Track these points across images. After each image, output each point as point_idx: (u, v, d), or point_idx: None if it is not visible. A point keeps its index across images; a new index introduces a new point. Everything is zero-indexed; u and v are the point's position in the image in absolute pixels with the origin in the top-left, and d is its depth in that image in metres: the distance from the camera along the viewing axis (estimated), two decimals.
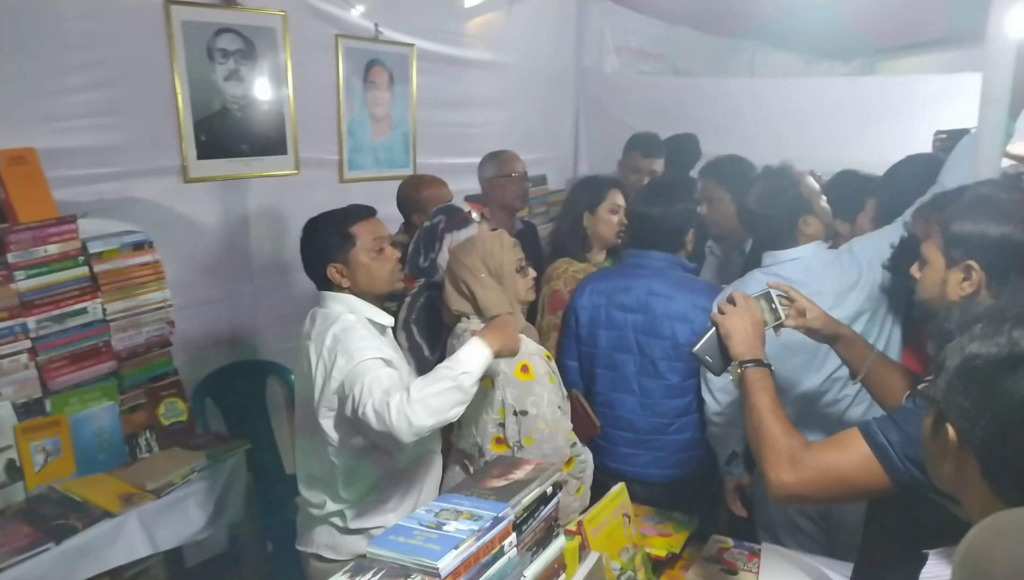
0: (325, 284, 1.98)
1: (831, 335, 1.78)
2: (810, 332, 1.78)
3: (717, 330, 1.64)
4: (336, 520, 1.96)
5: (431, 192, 2.97)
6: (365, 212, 2.01)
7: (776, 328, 1.75)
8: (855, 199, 2.61)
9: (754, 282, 2.22)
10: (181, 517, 2.33)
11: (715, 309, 1.74)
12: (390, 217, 2.14)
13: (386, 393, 1.68)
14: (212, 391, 2.97)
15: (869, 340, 2.07)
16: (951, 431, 0.91)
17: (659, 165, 3.57)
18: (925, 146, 2.80)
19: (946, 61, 6.67)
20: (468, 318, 2.13)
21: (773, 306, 1.75)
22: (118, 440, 2.47)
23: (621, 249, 2.82)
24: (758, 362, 1.55)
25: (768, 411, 1.45)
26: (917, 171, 2.63)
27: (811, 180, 2.30)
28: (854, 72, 7.77)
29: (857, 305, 2.11)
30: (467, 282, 2.09)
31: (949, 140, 2.59)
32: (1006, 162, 2.30)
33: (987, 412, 0.87)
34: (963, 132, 2.38)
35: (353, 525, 1.96)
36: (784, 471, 1.36)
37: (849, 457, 1.31)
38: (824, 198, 2.34)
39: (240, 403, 3.04)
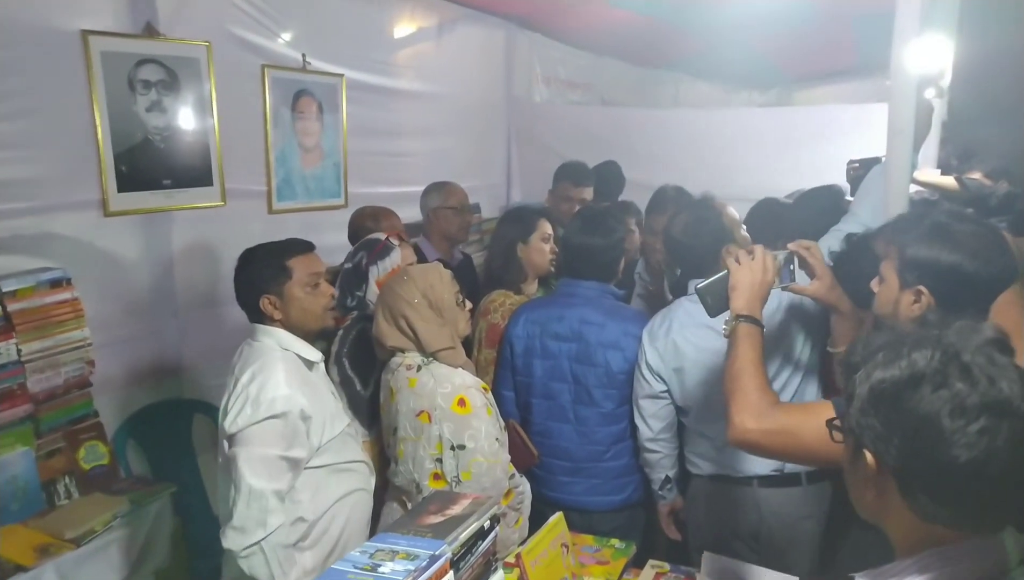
0: (257, 316, 1.97)
1: (833, 304, 1.87)
2: (816, 298, 1.88)
3: (727, 276, 1.71)
4: None
5: (389, 223, 2.98)
6: (303, 246, 2.03)
7: (785, 288, 1.83)
8: (774, 226, 2.72)
9: (681, 311, 2.29)
10: (104, 566, 2.23)
11: (728, 257, 1.78)
12: (322, 247, 2.16)
13: (247, 516, 1.78)
14: (135, 432, 2.85)
15: (787, 361, 2.16)
16: (868, 457, 0.96)
17: (589, 193, 3.65)
18: (839, 174, 2.94)
19: (858, 90, 7.06)
20: (403, 353, 2.12)
21: (792, 268, 1.81)
22: (34, 487, 2.34)
23: (552, 279, 2.86)
24: (753, 320, 1.63)
25: (750, 363, 1.54)
26: (822, 203, 2.78)
27: (732, 210, 2.39)
28: (771, 101, 8.14)
29: (779, 329, 2.19)
30: (407, 316, 2.07)
31: (861, 168, 2.74)
32: (913, 188, 2.45)
33: (898, 431, 0.91)
34: (874, 160, 2.52)
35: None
36: (750, 418, 1.44)
37: (816, 424, 1.31)
38: (744, 227, 2.44)
39: (165, 444, 2.92)
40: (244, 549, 1.78)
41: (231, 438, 1.84)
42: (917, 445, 0.90)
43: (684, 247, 2.28)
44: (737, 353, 1.57)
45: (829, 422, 1.07)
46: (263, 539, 1.78)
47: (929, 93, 3.64)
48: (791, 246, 1.83)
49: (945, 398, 0.88)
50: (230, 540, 1.80)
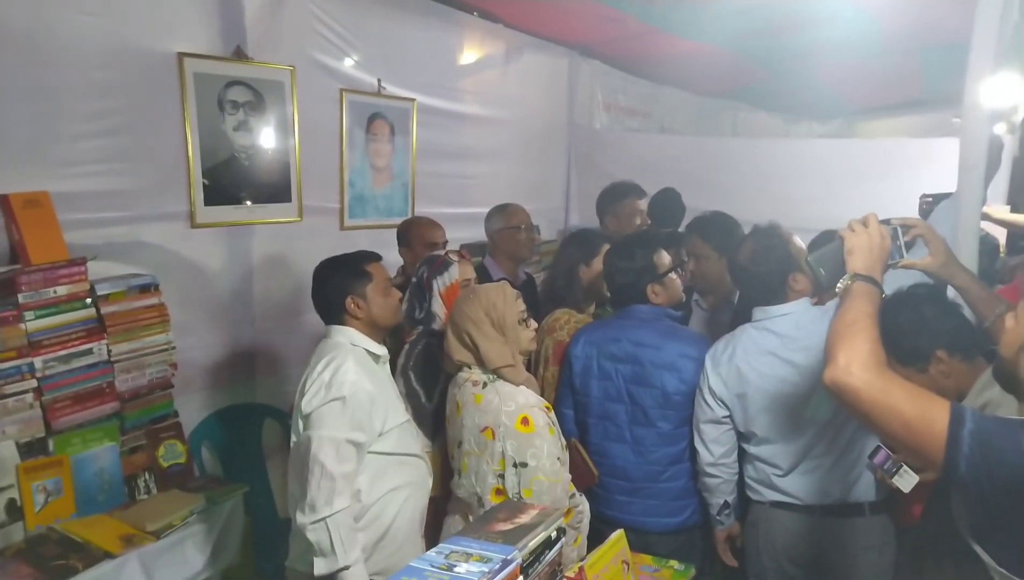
0: (335, 318, 2.19)
1: (948, 277, 1.83)
2: (929, 271, 1.82)
3: (841, 245, 1.59)
4: None
5: (419, 230, 3.17)
6: (375, 256, 2.28)
7: (894, 265, 1.69)
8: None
9: (745, 337, 2.31)
10: (180, 559, 2.33)
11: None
12: (389, 262, 2.35)
13: (317, 493, 1.94)
14: (210, 434, 2.98)
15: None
16: None
17: (645, 205, 3.75)
18: (904, 207, 2.93)
19: (920, 123, 6.97)
20: (470, 368, 2.18)
21: (898, 243, 1.69)
22: (118, 481, 2.47)
23: (608, 303, 2.90)
24: (873, 281, 1.50)
25: (867, 316, 1.40)
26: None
27: (798, 239, 2.41)
28: (832, 133, 8.05)
29: None
30: (470, 333, 2.15)
31: (934, 203, 2.73)
32: (984, 224, 2.44)
33: None
34: (945, 195, 2.51)
35: None
36: (856, 363, 1.30)
37: (923, 405, 1.24)
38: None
39: (237, 446, 3.05)
40: (312, 523, 1.93)
41: (306, 419, 2.02)
42: None
43: (750, 274, 2.31)
44: (852, 305, 1.43)
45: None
46: (330, 516, 1.93)
47: (1000, 129, 3.62)
48: (895, 221, 1.71)
49: None
50: (302, 515, 1.95)
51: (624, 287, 2.52)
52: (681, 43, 4.74)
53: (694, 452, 2.40)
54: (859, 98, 6.98)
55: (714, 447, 2.33)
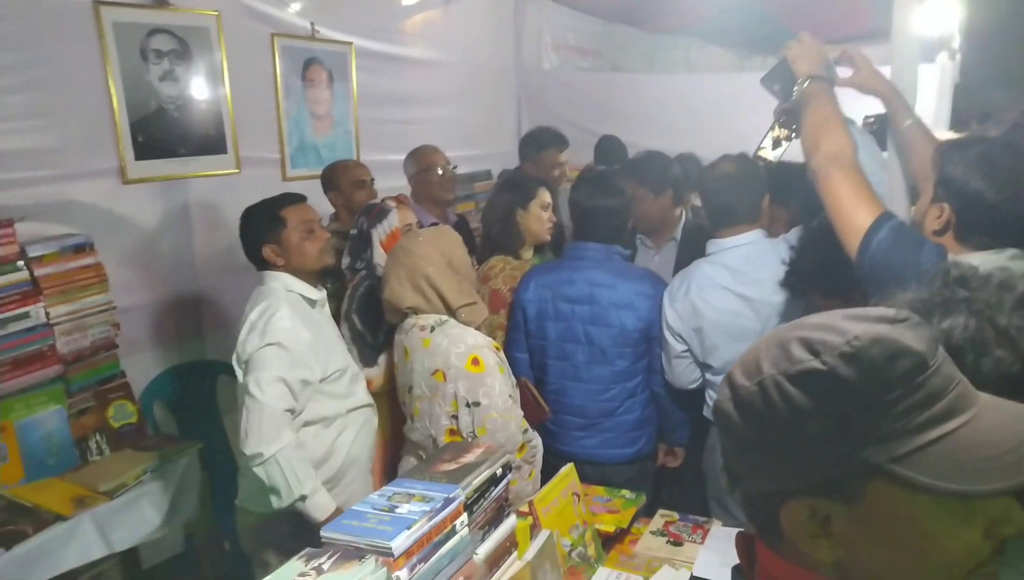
0: (263, 264, 2.17)
1: (872, 88, 1.96)
2: (855, 86, 1.95)
3: (785, 60, 1.84)
4: None
5: (344, 171, 3.12)
6: (295, 198, 2.22)
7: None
8: (792, 188, 2.74)
9: (699, 272, 2.32)
10: (136, 518, 2.34)
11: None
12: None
13: (260, 432, 1.95)
14: (161, 393, 2.95)
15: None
16: None
17: (566, 157, 3.71)
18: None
19: (872, 55, 6.98)
20: (417, 314, 2.17)
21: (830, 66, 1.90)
22: (67, 444, 2.45)
23: (547, 247, 2.88)
24: (822, 77, 1.76)
25: (834, 113, 1.68)
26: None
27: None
28: None
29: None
30: (428, 275, 2.12)
31: (876, 123, 2.74)
32: None
33: None
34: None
35: None
36: (832, 155, 1.59)
37: (861, 204, 1.54)
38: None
39: (191, 404, 3.02)
40: (260, 463, 1.95)
41: (245, 365, 2.03)
42: None
43: (725, 195, 2.31)
44: (818, 103, 1.70)
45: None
46: (278, 451, 1.95)
47: (940, 57, 3.63)
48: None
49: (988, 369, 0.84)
50: (249, 456, 1.96)
51: (612, 226, 2.48)
52: None
53: (647, 384, 2.45)
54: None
55: (682, 379, 2.38)
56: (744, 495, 0.76)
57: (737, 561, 0.81)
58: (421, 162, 3.23)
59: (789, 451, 0.68)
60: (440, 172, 3.22)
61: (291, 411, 2.01)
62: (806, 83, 1.76)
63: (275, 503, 1.98)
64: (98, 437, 2.53)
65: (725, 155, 2.40)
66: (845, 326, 0.68)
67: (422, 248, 2.16)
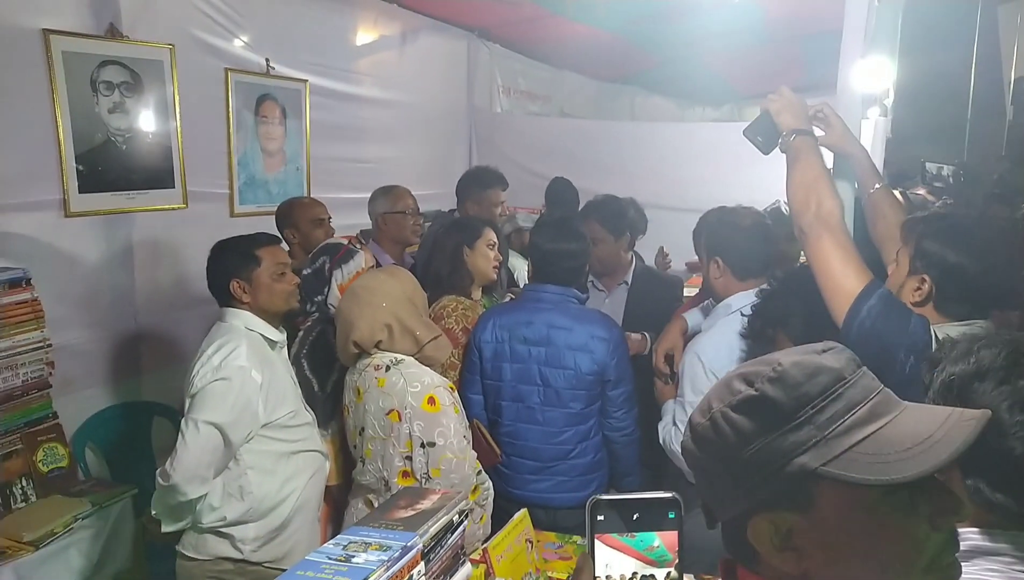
0: (226, 299, 2.14)
1: (843, 149, 1.98)
2: (827, 145, 1.96)
3: (768, 114, 1.82)
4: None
5: (303, 209, 3.09)
6: (271, 239, 2.24)
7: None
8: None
9: (728, 329, 2.29)
10: (63, 569, 2.21)
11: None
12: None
13: (177, 469, 1.96)
14: (95, 435, 2.82)
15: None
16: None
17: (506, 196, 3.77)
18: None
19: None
20: (371, 355, 2.13)
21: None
22: None
23: (494, 288, 2.90)
24: (807, 132, 1.76)
25: (823, 172, 1.69)
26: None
27: None
28: (724, 117, 8.36)
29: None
30: (399, 314, 2.10)
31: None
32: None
33: None
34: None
35: (205, 523, 2.07)
36: (822, 216, 1.60)
37: (850, 271, 1.55)
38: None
39: (124, 446, 2.89)
40: (183, 498, 1.98)
41: (191, 398, 2.00)
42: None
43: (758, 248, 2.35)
44: (807, 161, 1.70)
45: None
46: (187, 499, 1.98)
47: (873, 113, 3.83)
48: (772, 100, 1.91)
49: (1006, 393, 0.96)
50: (172, 482, 1.96)
51: (572, 269, 2.50)
52: (576, 27, 4.80)
53: (600, 428, 2.47)
54: (746, 84, 7.28)
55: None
56: (721, 525, 0.83)
57: None
58: (396, 202, 3.21)
59: (741, 472, 0.78)
60: (412, 215, 3.22)
61: (213, 462, 2.01)
62: (792, 137, 1.75)
63: (165, 527, 2.06)
64: (24, 482, 2.39)
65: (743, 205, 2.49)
66: (774, 358, 0.79)
67: (386, 286, 2.14)
